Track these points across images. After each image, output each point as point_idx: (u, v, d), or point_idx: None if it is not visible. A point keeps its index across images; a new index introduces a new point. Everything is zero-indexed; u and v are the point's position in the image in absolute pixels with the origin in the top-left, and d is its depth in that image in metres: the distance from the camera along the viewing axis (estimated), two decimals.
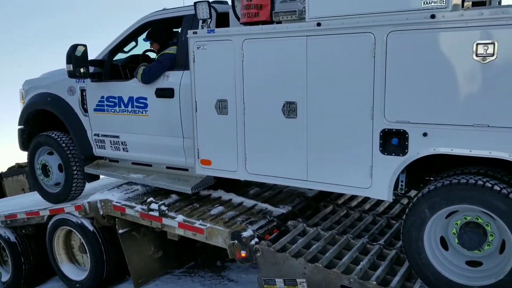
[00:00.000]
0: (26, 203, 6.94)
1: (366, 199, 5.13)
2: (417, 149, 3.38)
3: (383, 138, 3.49)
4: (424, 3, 3.19)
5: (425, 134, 3.32)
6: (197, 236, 4.55)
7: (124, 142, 5.34)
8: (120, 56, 5.67)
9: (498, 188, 3.07)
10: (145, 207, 4.88)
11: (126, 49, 5.59)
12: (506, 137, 3.05)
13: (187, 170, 5.11)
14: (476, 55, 3.05)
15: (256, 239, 4.15)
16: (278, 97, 3.95)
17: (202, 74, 4.35)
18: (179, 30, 5.20)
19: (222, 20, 4.70)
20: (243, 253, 4.15)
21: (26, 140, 6.18)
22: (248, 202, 4.98)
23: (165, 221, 4.75)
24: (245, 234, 4.20)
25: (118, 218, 5.23)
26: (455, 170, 3.46)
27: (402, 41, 3.30)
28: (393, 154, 3.47)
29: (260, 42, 3.98)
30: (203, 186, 5.01)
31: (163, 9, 5.20)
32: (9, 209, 6.62)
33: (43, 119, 6.07)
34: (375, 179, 3.59)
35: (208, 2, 4.26)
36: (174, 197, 5.15)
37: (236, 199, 5.06)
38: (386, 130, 3.47)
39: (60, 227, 5.86)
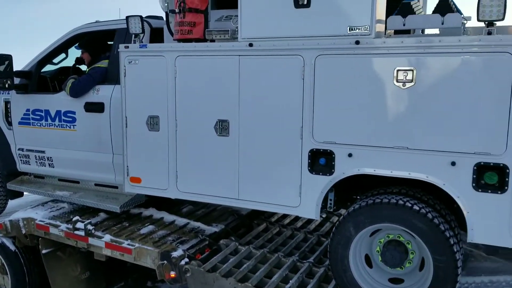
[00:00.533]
0: None
1: (298, 217, 5.18)
2: (343, 169, 3.48)
3: (311, 158, 3.57)
4: (349, 29, 3.32)
5: (350, 155, 3.43)
6: (125, 257, 4.39)
7: (50, 157, 5.10)
8: (48, 67, 5.46)
9: (417, 208, 3.22)
10: (70, 226, 4.66)
11: (55, 60, 5.38)
12: (423, 159, 3.21)
13: (116, 187, 4.95)
14: (397, 81, 3.21)
15: (186, 259, 4.07)
16: (211, 115, 3.94)
17: (133, 89, 4.26)
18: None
19: (157, 36, 4.65)
20: (172, 274, 4.05)
21: None
22: (180, 221, 4.88)
23: (91, 241, 4.55)
24: (175, 254, 4.10)
25: (41, 238, 4.94)
26: (378, 189, 3.60)
27: (329, 65, 3.41)
28: (321, 173, 3.56)
29: (193, 59, 3.97)
30: (133, 205, 4.86)
31: (96, 21, 5.07)
32: None
33: None
34: (304, 198, 3.65)
35: (140, 17, 4.20)
36: (102, 215, 4.95)
37: (168, 217, 4.95)
38: (314, 150, 3.55)
39: None
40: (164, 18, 4.42)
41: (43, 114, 5.04)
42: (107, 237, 4.51)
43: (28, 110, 5.12)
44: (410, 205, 3.25)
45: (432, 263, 3.25)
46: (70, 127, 4.88)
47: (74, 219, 4.69)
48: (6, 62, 4.83)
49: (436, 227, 3.18)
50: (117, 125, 4.53)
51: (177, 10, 3.95)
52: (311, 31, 3.45)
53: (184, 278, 3.98)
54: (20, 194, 5.68)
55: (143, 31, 4.21)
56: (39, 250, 5.00)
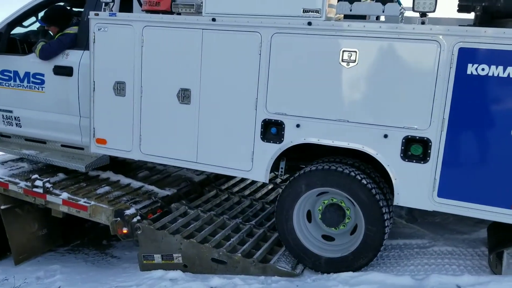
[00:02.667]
0: None
1: (247, 186, 5.62)
2: (291, 138, 3.86)
3: (263, 127, 3.93)
4: (303, 11, 3.66)
5: (298, 126, 3.81)
6: (81, 213, 4.66)
7: (18, 117, 5.27)
8: (18, 30, 5.56)
9: (365, 182, 3.63)
10: (29, 183, 4.89)
11: (25, 23, 5.49)
12: (360, 132, 3.63)
13: (82, 149, 5.18)
14: (342, 60, 3.59)
15: (138, 217, 4.41)
16: (174, 84, 4.23)
17: (102, 55, 4.49)
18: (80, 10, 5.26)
19: (127, 5, 4.85)
20: (124, 230, 4.37)
21: None
22: (136, 184, 5.20)
23: (49, 197, 4.80)
24: (128, 212, 4.44)
25: (0, 194, 5.14)
26: (330, 158, 3.99)
27: (283, 42, 3.75)
28: (271, 141, 3.93)
29: (160, 30, 4.22)
30: (98, 165, 5.13)
31: None
32: None
33: None
34: (256, 163, 4.02)
35: None
36: (61, 175, 5.21)
37: (124, 180, 5.26)
38: (267, 120, 3.91)
39: None
40: None
41: (11, 74, 5.19)
42: (65, 195, 4.76)
43: None
44: (359, 178, 3.64)
45: (363, 231, 3.71)
46: (38, 89, 5.06)
47: (33, 177, 4.92)
48: None
49: (376, 202, 3.61)
50: (85, 89, 4.75)
51: None
52: (269, 11, 3.77)
53: (136, 234, 4.31)
54: None
55: (113, 0, 4.42)
56: None
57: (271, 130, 3.91)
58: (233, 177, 5.71)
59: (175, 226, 4.33)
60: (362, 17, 4.32)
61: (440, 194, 3.47)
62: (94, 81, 4.55)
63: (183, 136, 4.28)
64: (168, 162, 4.49)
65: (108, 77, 4.49)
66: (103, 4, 4.43)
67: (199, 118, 4.19)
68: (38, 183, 4.82)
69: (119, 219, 4.39)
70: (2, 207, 5.14)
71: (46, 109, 5.09)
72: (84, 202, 4.65)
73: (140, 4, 4.47)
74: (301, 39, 3.69)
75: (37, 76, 5.05)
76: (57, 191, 4.82)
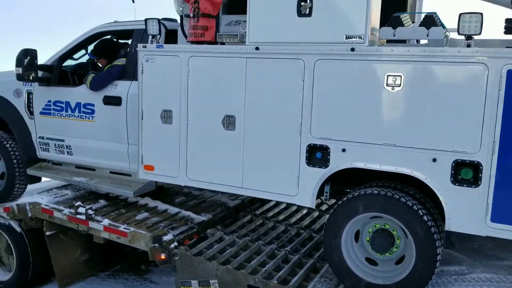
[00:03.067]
0: None
1: (282, 211, 5.65)
2: (337, 163, 3.88)
3: (308, 152, 3.96)
4: (346, 37, 3.72)
5: (343, 150, 3.83)
6: (121, 239, 4.83)
7: (69, 145, 5.51)
8: (68, 62, 5.85)
9: (426, 219, 3.55)
10: (73, 210, 5.11)
11: (75, 56, 5.78)
12: (408, 156, 3.60)
13: (130, 175, 5.36)
14: (387, 85, 3.60)
15: (175, 243, 4.53)
16: (219, 111, 4.34)
17: (150, 85, 4.67)
18: (128, 42, 5.50)
19: (171, 36, 5.04)
20: (162, 256, 4.49)
21: None
22: (172, 210, 5.33)
23: (91, 224, 4.99)
24: (166, 238, 4.56)
25: (46, 221, 5.39)
26: (385, 182, 3.91)
27: (327, 68, 3.80)
28: (317, 166, 3.95)
29: (205, 59, 4.37)
30: (145, 191, 5.28)
31: (115, 22, 5.47)
32: None
33: None
34: (301, 188, 4.05)
35: (158, 19, 4.60)
36: (102, 202, 5.43)
37: (162, 206, 5.41)
38: (312, 145, 3.94)
39: None
40: (179, 21, 4.82)
41: (63, 105, 5.45)
42: (106, 221, 4.96)
43: (49, 101, 5.53)
44: (421, 214, 3.57)
45: (412, 266, 3.65)
46: (89, 118, 5.29)
47: (76, 204, 5.14)
48: (31, 56, 5.24)
49: (433, 241, 3.54)
50: (133, 117, 4.94)
51: (191, 15, 4.36)
52: (311, 38, 3.84)
53: (173, 260, 4.42)
54: (38, 180, 6.08)
55: (160, 33, 4.61)
56: (43, 232, 5.45)
57: (316, 155, 3.94)
58: (267, 202, 5.79)
59: (211, 252, 4.42)
60: (403, 40, 4.34)
61: (493, 219, 3.39)
62: (142, 110, 4.72)
63: (228, 161, 4.37)
64: (213, 187, 4.58)
65: (155, 105, 4.66)
66: (151, 36, 4.64)
67: (244, 143, 4.27)
68: (81, 210, 5.04)
69: (157, 245, 4.52)
70: (48, 233, 5.39)
71: (96, 137, 5.30)
72: (124, 228, 4.82)
73: (185, 36, 4.64)
74: (344, 64, 3.74)
75: (87, 106, 5.29)
76: (98, 218, 5.02)
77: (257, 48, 4.07)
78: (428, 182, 3.57)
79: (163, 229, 4.81)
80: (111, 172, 5.50)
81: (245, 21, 4.36)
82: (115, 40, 5.55)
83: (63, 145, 5.55)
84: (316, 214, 5.60)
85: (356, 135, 3.77)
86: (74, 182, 5.55)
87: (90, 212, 4.99)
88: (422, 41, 4.50)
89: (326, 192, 4.15)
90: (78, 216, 5.04)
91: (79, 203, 5.16)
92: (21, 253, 5.67)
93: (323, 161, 3.92)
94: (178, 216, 5.18)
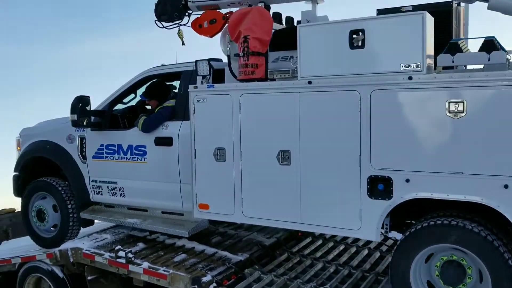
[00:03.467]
0: None
1: (318, 248, 5.52)
2: (401, 194, 3.77)
3: (370, 184, 3.88)
4: (402, 66, 3.68)
5: (407, 180, 3.73)
6: (161, 282, 4.79)
7: (122, 187, 5.59)
8: (117, 106, 6.02)
9: (507, 257, 3.41)
10: (113, 254, 5.13)
11: (125, 100, 5.94)
12: (478, 183, 3.48)
13: (182, 214, 5.37)
14: (449, 112, 3.52)
15: (214, 284, 4.48)
16: (273, 146, 4.33)
17: (202, 124, 4.72)
18: (173, 83, 5.64)
19: (218, 76, 5.13)
20: None
21: (21, 186, 6.34)
22: (210, 250, 5.29)
23: (131, 267, 4.99)
24: (205, 279, 4.51)
25: (87, 265, 5.42)
26: (437, 213, 3.82)
27: (384, 98, 3.76)
28: (380, 198, 3.86)
29: (256, 96, 4.40)
30: (198, 230, 5.27)
31: (162, 65, 5.61)
32: None
33: (38, 167, 6.27)
34: (364, 221, 3.94)
35: (208, 60, 4.70)
36: (140, 245, 5.44)
37: (199, 247, 5.37)
38: (373, 176, 3.86)
39: (31, 274, 6.00)
40: (227, 60, 4.91)
41: (115, 148, 5.57)
42: (145, 264, 4.96)
43: (102, 145, 5.67)
44: (491, 239, 3.44)
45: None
46: (141, 160, 5.38)
47: (116, 248, 5.17)
48: (85, 103, 5.42)
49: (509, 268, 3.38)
50: (185, 157, 4.99)
51: (241, 54, 4.43)
52: (366, 69, 3.83)
53: None
54: (91, 223, 6.18)
55: (210, 73, 4.70)
56: (84, 277, 5.48)
57: (378, 186, 3.85)
58: (303, 239, 5.70)
59: None
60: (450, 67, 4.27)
61: None
62: (195, 149, 4.76)
63: (285, 197, 4.32)
64: (271, 224, 4.52)
65: (208, 144, 4.70)
66: (201, 77, 4.73)
67: (300, 178, 4.22)
68: (121, 253, 5.07)
69: (196, 286, 4.48)
70: (89, 277, 5.41)
71: (148, 178, 5.37)
72: (163, 270, 4.81)
73: (233, 74, 4.71)
74: (402, 93, 3.70)
75: (139, 148, 5.38)
76: (138, 261, 5.03)
77: (309, 82, 4.08)
78: (501, 210, 3.42)
79: (201, 270, 4.79)
80: (163, 212, 5.53)
81: (292, 57, 4.41)
82: (165, 82, 5.68)
83: (116, 187, 5.64)
84: (353, 250, 5.48)
85: (419, 164, 3.67)
86: (128, 223, 5.60)
87: (130, 255, 5.03)
88: (469, 66, 4.43)
89: (386, 225, 4.03)
90: (118, 260, 5.08)
91: (119, 246, 5.21)
92: None
93: (386, 193, 3.83)
94: (215, 257, 5.15)
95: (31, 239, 6.33)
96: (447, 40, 3.81)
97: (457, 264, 3.66)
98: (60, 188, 5.89)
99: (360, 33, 3.80)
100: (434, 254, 3.78)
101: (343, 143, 3.98)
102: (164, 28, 5.29)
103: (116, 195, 5.66)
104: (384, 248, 5.46)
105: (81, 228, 6.09)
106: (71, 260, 5.48)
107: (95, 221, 6.24)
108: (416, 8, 4.03)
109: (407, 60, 3.67)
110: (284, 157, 4.29)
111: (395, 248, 3.86)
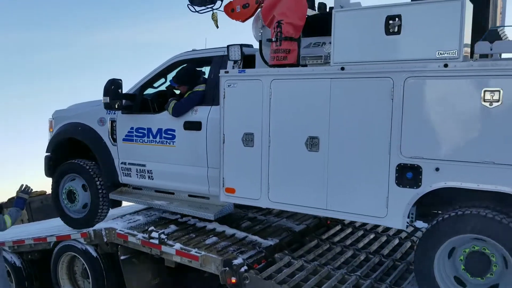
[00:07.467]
0: (31, 231, 7.29)
1: (348, 236, 5.50)
2: (430, 183, 3.73)
3: (398, 172, 3.85)
4: (438, 53, 3.64)
5: (437, 169, 3.69)
6: (192, 263, 4.86)
7: (150, 170, 5.68)
8: (148, 90, 6.11)
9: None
10: (146, 235, 5.23)
11: (155, 84, 6.02)
12: (509, 173, 3.42)
13: (208, 198, 5.43)
14: (484, 100, 3.47)
15: (245, 267, 4.51)
16: (302, 132, 4.33)
17: (231, 109, 4.76)
18: (203, 68, 5.68)
19: (247, 62, 5.15)
20: (233, 279, 4.47)
21: (52, 167, 6.51)
22: (240, 234, 5.33)
23: (164, 248, 5.07)
24: (236, 262, 4.54)
25: (120, 245, 5.53)
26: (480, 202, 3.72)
27: (418, 86, 3.72)
28: (408, 186, 3.82)
29: (287, 82, 4.41)
30: (224, 213, 5.31)
31: (193, 50, 5.67)
32: (15, 236, 6.87)
33: (69, 148, 6.43)
34: (391, 209, 3.92)
35: (240, 45, 4.73)
36: (172, 227, 5.52)
37: (229, 231, 5.41)
38: (402, 164, 3.83)
39: (65, 253, 6.18)
40: (258, 46, 4.92)
41: (145, 131, 5.66)
42: (178, 246, 5.03)
43: (132, 128, 5.77)
44: (506, 222, 3.40)
45: None
46: (169, 143, 5.45)
47: (149, 229, 5.26)
48: (117, 86, 5.52)
49: None
50: (213, 141, 5.03)
51: (274, 39, 4.44)
52: (401, 55, 3.80)
53: (244, 284, 4.40)
54: (119, 204, 6.31)
55: (241, 58, 4.72)
56: (117, 257, 5.60)
57: (407, 174, 3.82)
58: (333, 227, 5.68)
59: (281, 276, 4.36)
60: (485, 55, 4.19)
61: None
62: (224, 134, 4.80)
63: (312, 183, 4.32)
64: (296, 209, 4.53)
65: (237, 129, 4.73)
66: (233, 62, 4.76)
67: (328, 165, 4.22)
68: (154, 234, 5.14)
69: (227, 268, 4.50)
70: (122, 257, 5.52)
71: (176, 162, 5.44)
72: (195, 252, 4.87)
73: (264, 60, 4.72)
74: (437, 81, 3.65)
75: (168, 132, 5.45)
76: (170, 242, 5.10)
77: (342, 68, 4.06)
78: None
79: (232, 253, 4.83)
80: (189, 196, 5.60)
81: (325, 43, 4.39)
82: (195, 68, 5.74)
83: (144, 170, 5.73)
84: (384, 239, 5.45)
85: (450, 153, 3.63)
86: (155, 205, 5.69)
87: (163, 236, 5.10)
88: (503, 55, 4.34)
89: (412, 214, 4.00)
90: (151, 240, 5.16)
91: (152, 228, 5.29)
92: (96, 277, 5.86)
93: (415, 181, 3.79)
94: (245, 241, 5.18)
95: (62, 220, 6.49)
96: (483, 27, 3.75)
97: (480, 253, 3.61)
98: (87, 167, 6.02)
99: (397, 19, 3.77)
100: (456, 248, 3.74)
101: (373, 130, 3.96)
102: (197, 12, 5.33)
103: (145, 177, 5.76)
104: (414, 238, 5.41)
105: (110, 209, 6.20)
106: (105, 239, 5.61)
107: (123, 203, 6.36)
108: None
109: (444, 47, 3.62)
110: (312, 143, 4.29)
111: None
